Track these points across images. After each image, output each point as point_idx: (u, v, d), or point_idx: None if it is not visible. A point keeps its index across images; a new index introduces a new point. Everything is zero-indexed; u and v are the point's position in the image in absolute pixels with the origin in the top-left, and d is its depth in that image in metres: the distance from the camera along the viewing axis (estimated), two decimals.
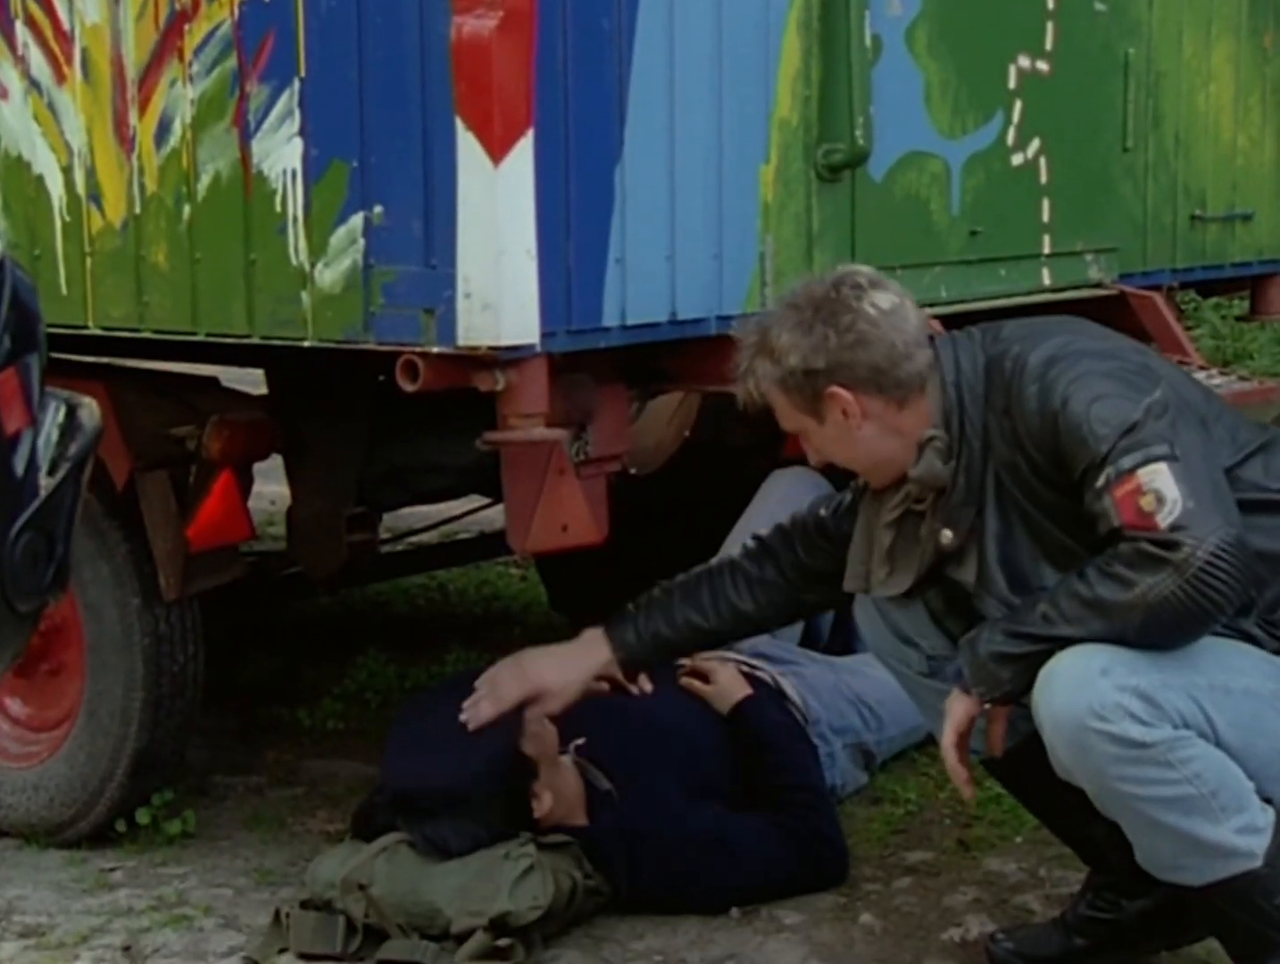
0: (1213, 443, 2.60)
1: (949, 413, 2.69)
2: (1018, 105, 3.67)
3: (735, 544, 3.29)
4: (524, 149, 2.74)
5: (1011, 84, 3.66)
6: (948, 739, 2.66)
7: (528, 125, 2.75)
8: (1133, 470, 2.47)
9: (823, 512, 3.03)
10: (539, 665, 3.13)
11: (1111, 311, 3.78)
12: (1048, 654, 2.54)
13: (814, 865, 3.26)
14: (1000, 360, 2.67)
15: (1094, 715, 2.47)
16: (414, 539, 5.18)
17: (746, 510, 3.90)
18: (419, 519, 5.11)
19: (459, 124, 2.74)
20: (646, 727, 3.31)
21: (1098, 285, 3.88)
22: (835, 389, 2.68)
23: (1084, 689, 2.48)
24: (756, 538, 3.11)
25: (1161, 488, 2.45)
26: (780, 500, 3.69)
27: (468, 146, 2.74)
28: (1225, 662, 2.56)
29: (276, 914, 3.15)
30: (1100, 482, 2.50)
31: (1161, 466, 2.47)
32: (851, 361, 2.67)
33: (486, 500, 4.57)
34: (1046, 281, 3.79)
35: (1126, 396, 2.54)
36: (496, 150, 2.73)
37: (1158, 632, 2.48)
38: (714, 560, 3.15)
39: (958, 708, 2.66)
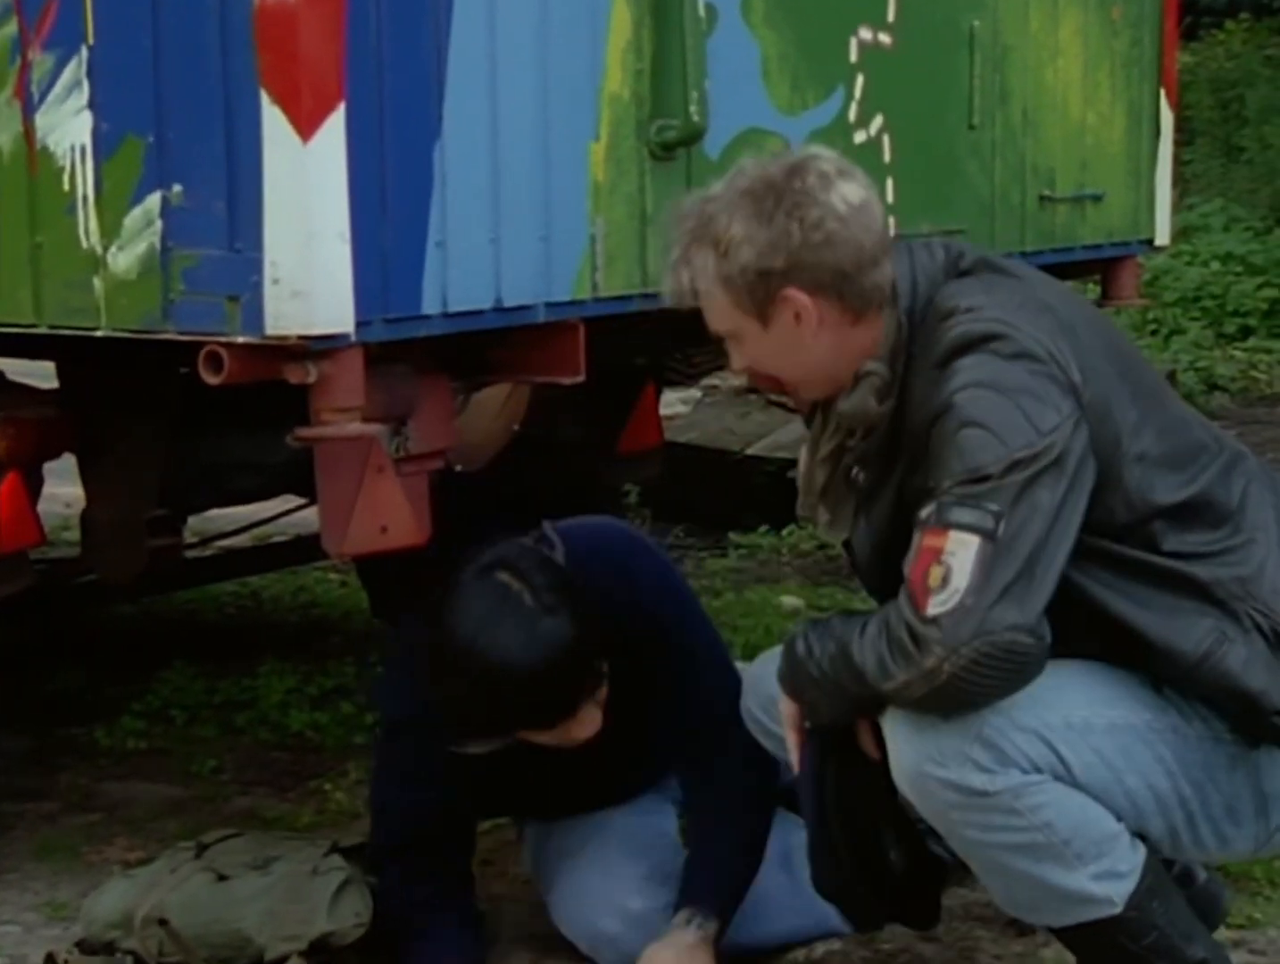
0: (1116, 491, 2.50)
1: (896, 349, 2.56)
2: (859, 80, 3.71)
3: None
4: (335, 124, 2.71)
5: (853, 57, 3.70)
6: (792, 750, 2.68)
7: (339, 99, 2.72)
8: (948, 527, 2.40)
9: None
10: None
11: None
12: (857, 702, 2.53)
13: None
14: (949, 311, 2.53)
15: (933, 762, 2.46)
16: (223, 543, 5.12)
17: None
18: (229, 521, 5.05)
19: (264, 97, 2.70)
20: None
21: None
22: (792, 291, 2.53)
23: (923, 733, 2.47)
24: None
25: (955, 567, 2.38)
26: None
27: (274, 121, 2.70)
28: (1090, 694, 2.53)
29: (50, 959, 3.08)
30: (925, 512, 2.45)
31: (973, 542, 2.38)
32: (815, 262, 2.52)
33: (302, 500, 4.53)
34: None
35: (1005, 432, 2.41)
36: (305, 126, 2.70)
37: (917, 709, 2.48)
38: None
39: (785, 709, 2.68)
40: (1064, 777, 2.49)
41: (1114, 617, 2.53)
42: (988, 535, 2.38)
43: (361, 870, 3.12)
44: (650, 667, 3.05)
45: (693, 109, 3.29)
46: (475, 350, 3.21)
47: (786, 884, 3.08)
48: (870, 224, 2.56)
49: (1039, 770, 2.47)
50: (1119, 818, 2.52)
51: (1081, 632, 2.54)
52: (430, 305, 2.95)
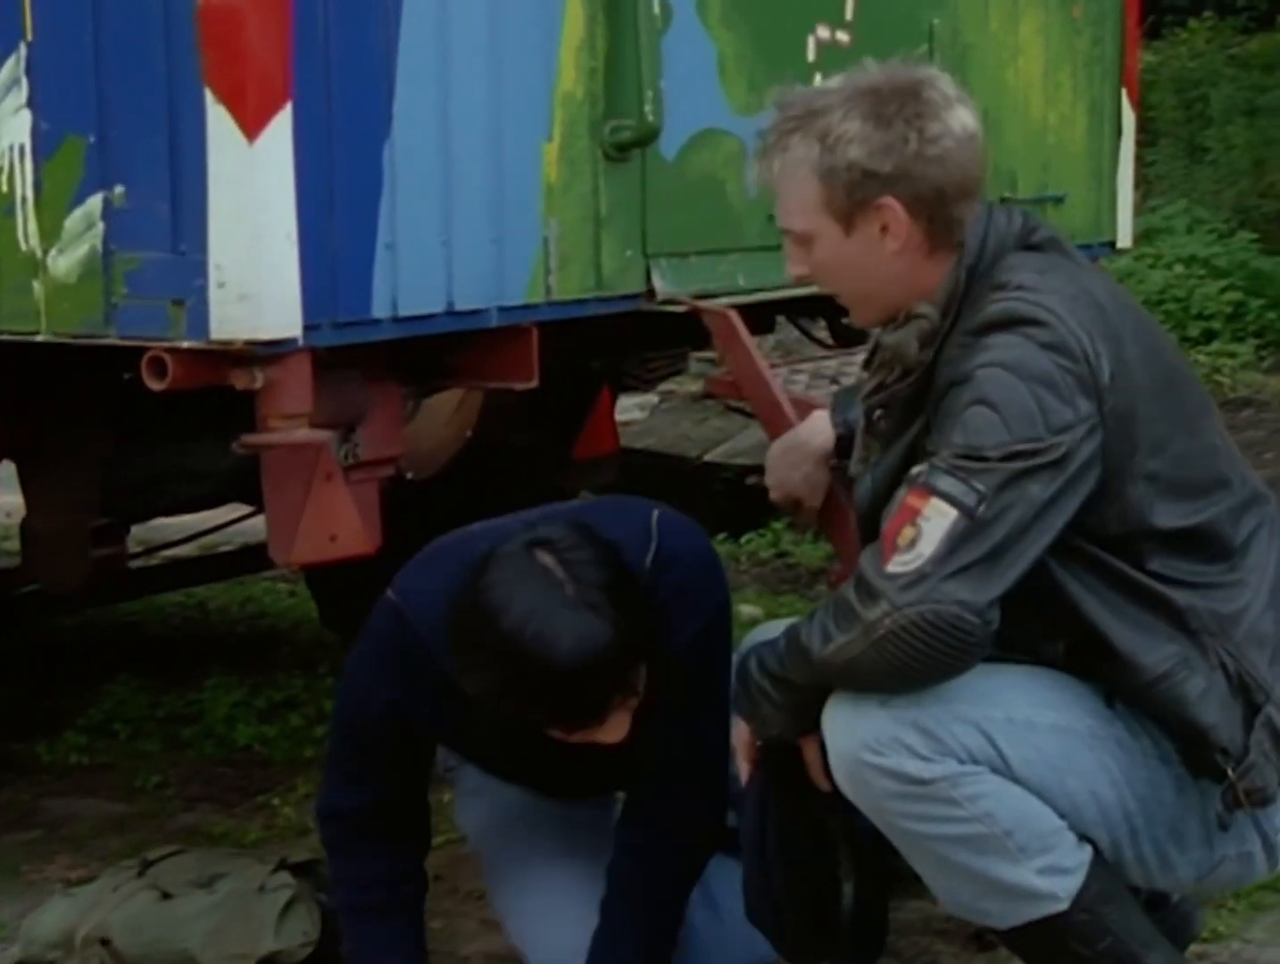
0: (1114, 503, 2.49)
1: (950, 302, 2.53)
2: (817, 79, 3.69)
3: None
4: (282, 124, 2.70)
5: (810, 56, 3.69)
6: (742, 777, 2.67)
7: (285, 98, 2.70)
8: (932, 492, 2.41)
9: None
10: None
11: None
12: (806, 699, 2.53)
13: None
14: (1003, 284, 2.50)
15: (868, 749, 2.46)
16: (169, 552, 5.09)
17: None
18: (174, 530, 5.02)
19: (209, 96, 2.68)
20: None
21: None
22: (890, 200, 2.50)
23: (860, 720, 2.47)
24: None
25: (926, 532, 2.39)
26: None
27: (219, 121, 2.68)
28: (1035, 696, 2.53)
29: None
30: (916, 471, 2.46)
31: (950, 514, 2.39)
32: (921, 176, 2.49)
33: (249, 508, 4.50)
34: None
35: (1014, 419, 2.41)
36: (251, 125, 2.68)
37: (855, 687, 2.47)
38: None
39: (738, 735, 2.67)
40: (1002, 771, 2.48)
41: (1085, 617, 2.53)
42: (966, 512, 2.39)
43: (310, 887, 3.09)
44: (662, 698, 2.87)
45: (647, 109, 3.28)
46: (426, 355, 3.20)
47: (711, 919, 3.04)
48: (977, 155, 2.56)
49: (976, 762, 2.47)
50: (1061, 817, 2.52)
51: (1049, 626, 2.55)
52: (380, 309, 2.93)
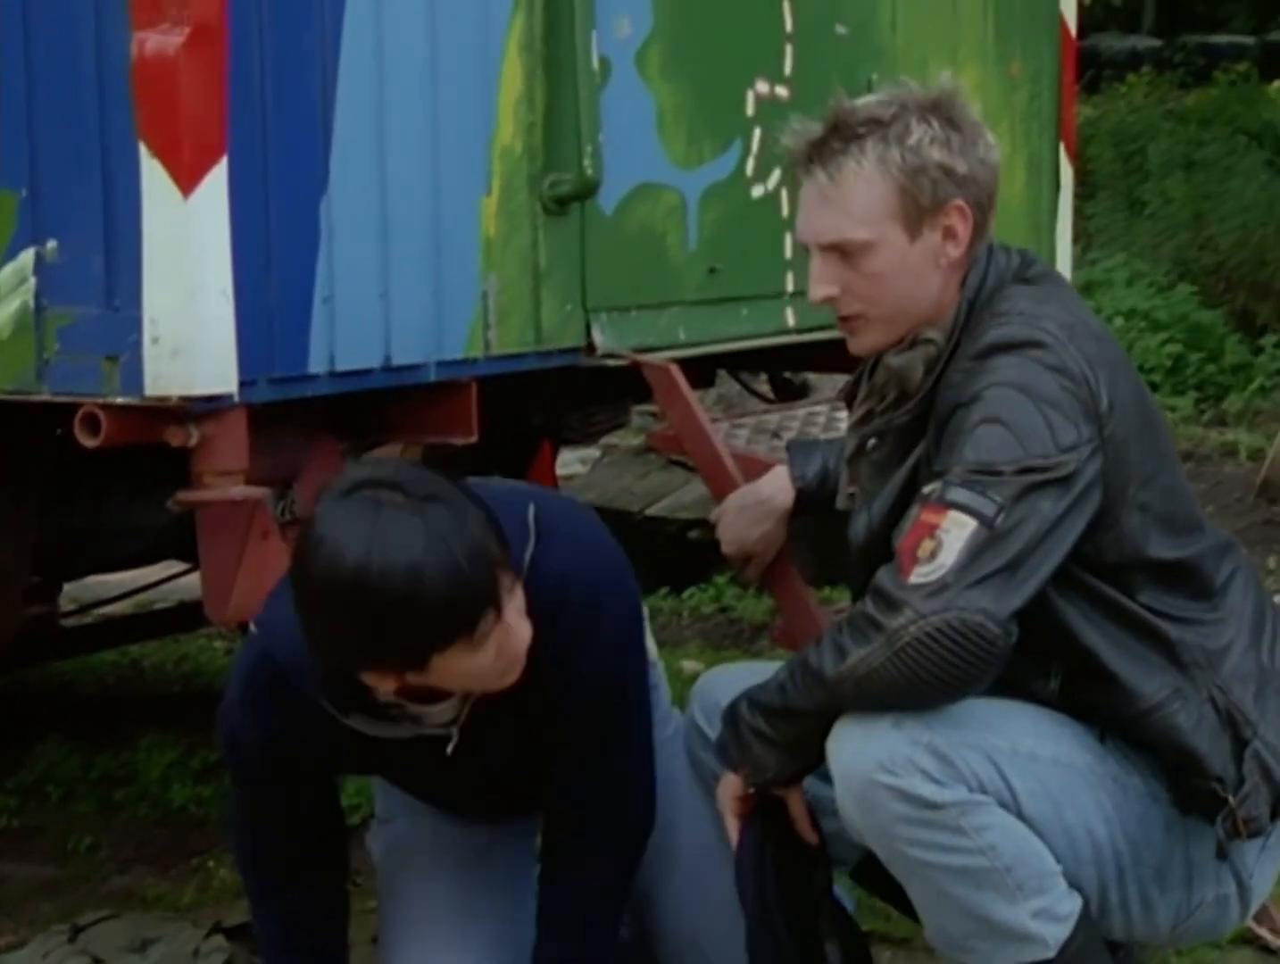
0: (1110, 530, 2.52)
1: (952, 331, 2.57)
2: (756, 133, 3.73)
3: None
4: (217, 178, 2.70)
5: (749, 110, 3.73)
6: (731, 834, 2.64)
7: (221, 152, 2.71)
8: (949, 506, 2.44)
9: None
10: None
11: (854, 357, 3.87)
12: (806, 732, 2.53)
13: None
14: (1003, 312, 2.56)
15: (882, 768, 2.46)
16: (103, 610, 5.05)
17: None
18: (109, 588, 4.98)
19: (143, 150, 2.69)
20: None
21: None
22: (963, 202, 2.54)
23: (873, 740, 2.47)
24: None
25: (946, 544, 2.42)
26: None
27: (153, 175, 2.68)
28: (1036, 727, 2.56)
29: None
30: (927, 489, 2.48)
31: (969, 525, 2.42)
32: (986, 181, 2.55)
33: (185, 565, 4.48)
34: (791, 323, 3.86)
35: (1025, 436, 2.45)
36: (186, 179, 2.68)
37: (871, 702, 2.47)
38: None
39: (724, 791, 2.64)
40: (1008, 804, 2.50)
41: (1084, 645, 2.56)
42: (985, 522, 2.43)
43: (245, 951, 3.07)
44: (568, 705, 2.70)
45: (586, 162, 3.30)
46: (364, 409, 3.19)
47: None
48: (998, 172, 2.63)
49: (985, 792, 2.49)
50: (1057, 859, 2.53)
51: (1045, 655, 2.57)
52: (317, 364, 2.93)
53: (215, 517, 3.00)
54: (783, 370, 4.46)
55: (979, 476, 2.45)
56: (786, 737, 2.57)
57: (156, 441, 2.78)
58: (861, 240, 2.57)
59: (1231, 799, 2.52)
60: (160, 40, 2.65)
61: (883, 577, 2.46)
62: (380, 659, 2.42)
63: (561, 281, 3.34)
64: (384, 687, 2.48)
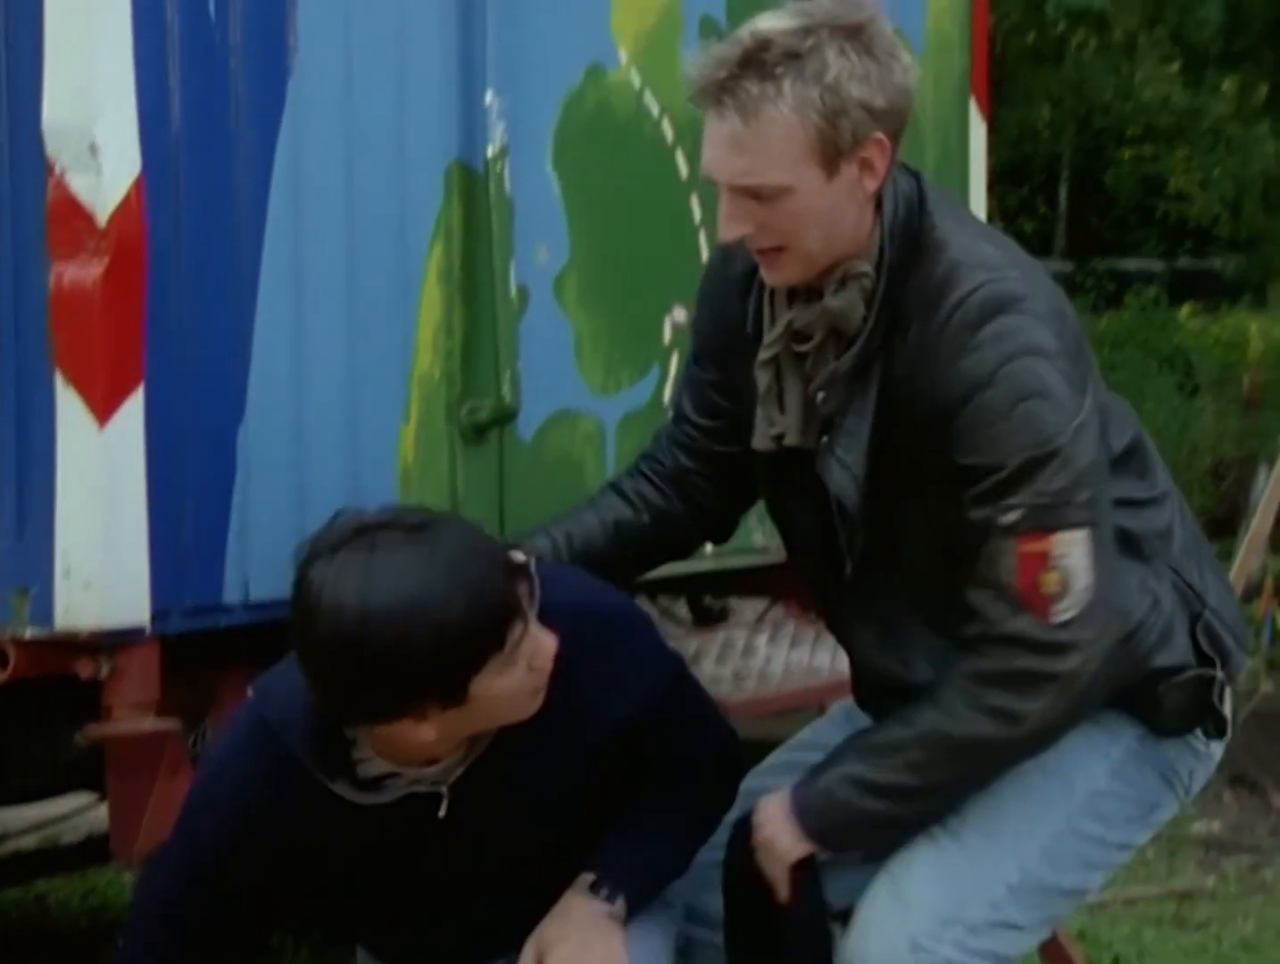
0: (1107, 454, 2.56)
1: (880, 258, 2.48)
2: (674, 359, 3.78)
3: None
4: (133, 407, 2.72)
5: (666, 338, 3.77)
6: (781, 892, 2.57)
7: (138, 381, 2.73)
8: (1050, 531, 2.41)
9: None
10: None
11: (774, 581, 3.89)
12: (933, 807, 2.55)
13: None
14: (936, 254, 2.47)
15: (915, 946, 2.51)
16: (7, 845, 4.95)
17: None
18: (13, 821, 4.89)
19: (59, 378, 2.70)
20: None
21: (764, 550, 3.98)
22: (881, 135, 2.41)
23: (906, 913, 2.52)
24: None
25: (1072, 567, 2.41)
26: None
27: (69, 404, 2.70)
28: (1028, 819, 2.59)
29: None
30: (1007, 520, 2.42)
31: (1080, 537, 2.41)
32: (903, 109, 2.43)
33: (94, 796, 4.40)
34: (708, 549, 3.87)
35: (1064, 402, 2.42)
36: (102, 409, 2.69)
37: (1028, 754, 2.53)
38: None
39: (780, 857, 2.57)
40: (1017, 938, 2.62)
41: None
42: (1091, 524, 2.43)
43: None
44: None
45: (505, 389, 3.33)
46: (280, 639, 3.17)
47: None
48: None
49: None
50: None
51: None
52: (231, 595, 2.92)
53: (125, 750, 2.96)
54: (702, 593, 4.46)
55: (1045, 478, 2.40)
56: (917, 812, 2.56)
57: (66, 674, 2.75)
58: (778, 184, 2.43)
59: (1219, 673, 2.60)
60: (78, 273, 2.68)
61: (1020, 626, 2.43)
62: (418, 701, 2.31)
63: (479, 509, 3.35)
64: (422, 736, 2.36)
